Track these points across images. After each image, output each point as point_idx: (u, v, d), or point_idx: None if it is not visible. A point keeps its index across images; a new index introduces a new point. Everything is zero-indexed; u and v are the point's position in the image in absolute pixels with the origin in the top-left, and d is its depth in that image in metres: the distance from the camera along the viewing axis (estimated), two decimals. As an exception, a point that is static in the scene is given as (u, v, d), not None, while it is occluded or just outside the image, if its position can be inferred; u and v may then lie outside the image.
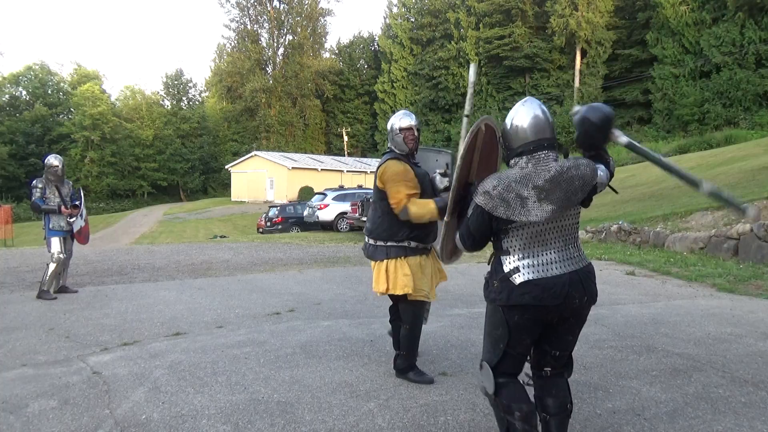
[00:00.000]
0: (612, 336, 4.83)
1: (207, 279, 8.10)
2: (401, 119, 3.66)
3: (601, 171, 2.53)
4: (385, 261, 3.61)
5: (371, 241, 3.75)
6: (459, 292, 6.98)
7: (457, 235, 2.60)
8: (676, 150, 35.46)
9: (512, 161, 2.48)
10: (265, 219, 25.30)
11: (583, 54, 49.54)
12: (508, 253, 2.43)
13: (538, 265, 2.39)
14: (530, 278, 2.36)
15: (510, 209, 2.33)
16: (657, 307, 5.98)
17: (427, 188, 3.61)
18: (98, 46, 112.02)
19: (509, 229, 2.41)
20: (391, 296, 3.71)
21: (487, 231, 2.46)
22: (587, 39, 47.79)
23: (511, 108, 2.55)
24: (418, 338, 3.75)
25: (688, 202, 13.62)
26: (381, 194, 3.63)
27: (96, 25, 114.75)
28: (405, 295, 3.59)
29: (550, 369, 2.57)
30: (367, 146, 64.94)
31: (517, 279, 2.37)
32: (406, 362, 3.74)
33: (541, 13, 51.31)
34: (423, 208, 3.42)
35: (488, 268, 2.57)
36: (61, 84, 61.33)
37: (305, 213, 23.12)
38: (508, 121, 2.50)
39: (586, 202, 2.56)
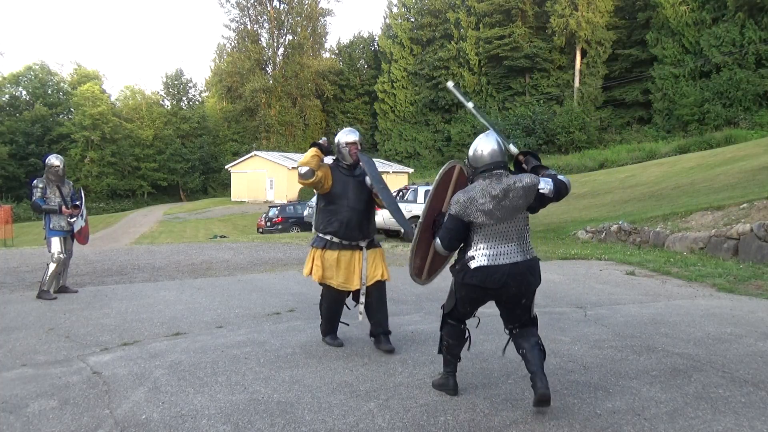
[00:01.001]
0: (612, 336, 4.83)
1: (207, 279, 8.10)
2: (347, 135, 4.44)
3: (544, 183, 3.17)
4: (311, 249, 4.44)
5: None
6: (459, 292, 6.98)
7: (437, 241, 3.29)
8: (676, 150, 35.47)
9: (476, 178, 3.22)
10: (265, 219, 25.32)
11: (583, 54, 49.53)
12: (468, 245, 3.22)
13: (488, 256, 3.14)
14: (480, 265, 3.13)
15: (473, 214, 3.11)
16: (657, 307, 5.99)
17: (347, 188, 4.35)
18: (98, 46, 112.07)
19: (473, 227, 3.18)
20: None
21: (462, 233, 3.21)
22: (587, 39, 47.78)
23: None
24: (332, 314, 4.51)
25: (688, 202, 13.62)
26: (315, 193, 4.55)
27: (96, 25, 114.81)
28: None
29: (514, 327, 3.34)
30: (367, 146, 64.66)
31: (472, 264, 3.16)
32: (323, 328, 4.60)
33: (541, 13, 51.30)
34: (304, 156, 4.29)
35: None
36: (61, 84, 61.33)
37: (305, 213, 23.11)
38: (472, 150, 3.27)
39: (533, 209, 3.23)
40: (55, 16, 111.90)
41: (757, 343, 4.59)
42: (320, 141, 4.43)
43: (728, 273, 7.69)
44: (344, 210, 4.31)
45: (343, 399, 3.42)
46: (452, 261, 3.48)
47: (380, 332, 4.41)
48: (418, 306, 6.11)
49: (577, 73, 49.91)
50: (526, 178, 3.15)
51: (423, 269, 3.65)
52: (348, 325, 4.67)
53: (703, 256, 9.11)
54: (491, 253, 3.13)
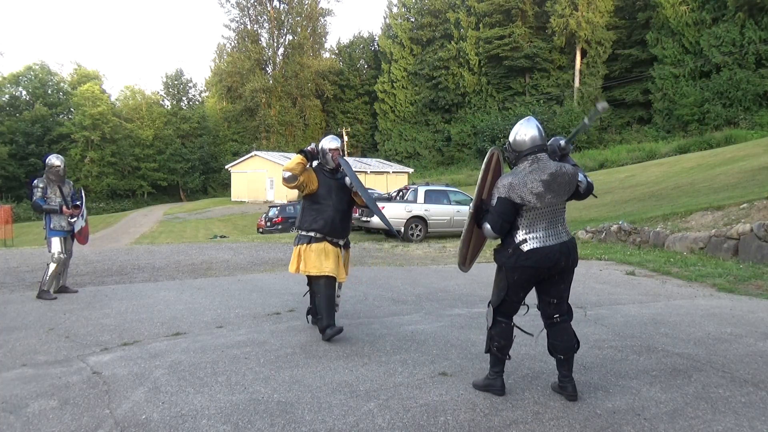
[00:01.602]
0: (612, 336, 4.83)
1: (207, 279, 8.10)
2: (330, 142, 4.82)
3: (582, 176, 3.39)
4: (297, 246, 4.72)
5: (296, 229, 4.91)
6: (459, 292, 6.98)
7: (487, 226, 3.33)
8: (676, 150, 35.49)
9: (520, 163, 3.35)
10: (265, 219, 25.30)
11: (583, 54, 49.55)
12: (517, 230, 3.32)
13: (539, 238, 3.29)
14: (534, 247, 3.27)
15: (526, 196, 3.23)
16: (657, 307, 5.99)
17: (331, 190, 4.73)
18: (98, 46, 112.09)
19: (521, 212, 3.29)
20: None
21: (512, 215, 3.29)
22: (587, 39, 47.82)
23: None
24: (331, 302, 4.69)
25: (688, 202, 13.62)
26: (300, 193, 4.80)
27: (96, 25, 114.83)
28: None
29: (558, 315, 3.43)
30: (367, 146, 64.93)
31: (525, 247, 3.28)
32: (325, 321, 4.64)
33: (541, 13, 51.32)
34: (289, 162, 4.63)
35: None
36: (61, 84, 61.33)
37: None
38: (513, 135, 3.38)
39: (576, 197, 3.44)
40: (55, 16, 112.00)
41: (757, 343, 4.59)
42: (308, 148, 4.74)
43: (728, 273, 7.69)
44: (329, 210, 4.71)
45: (343, 399, 3.42)
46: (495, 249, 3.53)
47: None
48: (418, 306, 6.11)
49: (577, 73, 49.94)
50: (569, 167, 3.34)
51: (467, 257, 3.74)
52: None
53: (703, 256, 9.10)
54: (542, 235, 3.29)
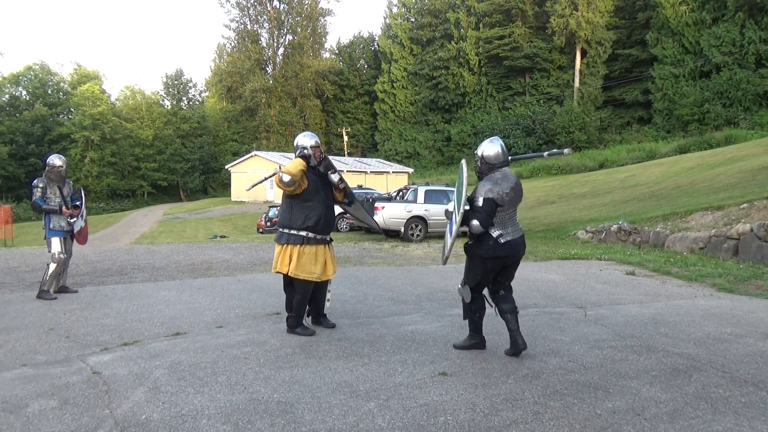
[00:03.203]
0: (612, 336, 4.83)
1: (207, 279, 8.09)
2: (310, 140, 4.91)
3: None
4: (288, 246, 4.73)
5: (279, 229, 4.86)
6: (459, 292, 6.97)
7: (475, 222, 4.07)
8: (676, 150, 35.46)
9: (492, 173, 4.23)
10: (265, 219, 25.28)
11: (583, 54, 49.52)
12: (493, 226, 4.17)
13: (510, 233, 4.21)
14: (508, 239, 4.19)
15: (503, 199, 4.13)
16: (657, 307, 5.99)
17: (318, 187, 4.82)
18: (98, 46, 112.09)
19: (495, 212, 4.13)
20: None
21: (494, 214, 4.13)
22: (587, 39, 47.78)
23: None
24: (306, 305, 4.91)
25: (688, 202, 13.62)
26: (285, 192, 4.76)
27: (96, 25, 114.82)
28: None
29: (503, 291, 4.37)
30: (367, 146, 64.94)
31: (501, 240, 4.17)
32: (296, 321, 4.85)
33: (541, 13, 51.29)
34: (292, 166, 4.65)
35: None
36: (61, 84, 61.31)
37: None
38: (487, 151, 4.25)
39: None
40: (55, 16, 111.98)
41: (757, 343, 4.59)
42: (307, 153, 4.82)
43: (728, 273, 7.69)
44: (320, 206, 4.79)
45: (343, 399, 3.42)
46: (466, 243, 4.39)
47: (321, 315, 5.15)
48: (418, 306, 6.11)
49: (577, 73, 49.90)
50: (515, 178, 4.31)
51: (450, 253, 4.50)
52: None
53: (703, 256, 9.10)
54: (511, 230, 4.21)
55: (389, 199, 15.91)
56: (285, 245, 4.75)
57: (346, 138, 55.60)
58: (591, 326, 5.16)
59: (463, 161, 4.27)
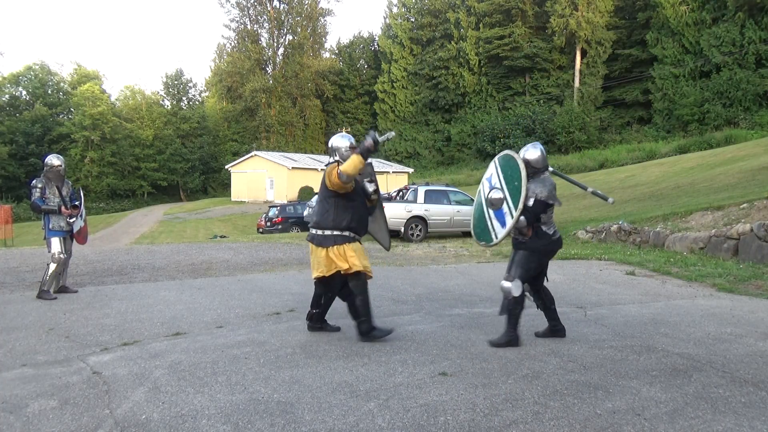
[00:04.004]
0: (612, 336, 4.83)
1: (207, 279, 8.10)
2: (347, 141, 4.86)
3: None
4: (335, 246, 4.59)
5: (319, 232, 4.67)
6: (459, 292, 6.98)
7: (523, 219, 4.47)
8: (676, 150, 35.48)
9: (538, 175, 4.60)
10: (265, 219, 25.28)
11: (583, 54, 49.53)
12: (545, 224, 4.62)
13: (556, 230, 4.70)
14: (559, 235, 4.72)
15: (553, 199, 4.58)
16: (657, 307, 5.99)
17: (357, 188, 4.73)
18: (98, 46, 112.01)
19: (547, 211, 4.59)
20: (324, 278, 4.70)
21: (540, 214, 4.56)
22: (587, 39, 47.79)
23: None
24: (369, 303, 4.72)
25: (688, 202, 13.62)
26: (328, 192, 4.65)
27: (96, 25, 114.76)
28: (357, 273, 4.60)
29: (542, 283, 4.78)
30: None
31: (555, 236, 4.67)
32: (369, 325, 4.66)
33: (541, 13, 51.30)
34: (349, 165, 4.44)
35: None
36: (61, 84, 61.30)
37: (305, 213, 23.05)
38: (533, 155, 4.63)
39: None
40: (55, 16, 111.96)
41: (757, 343, 4.59)
42: (368, 146, 4.53)
43: (728, 273, 7.68)
44: (360, 207, 4.79)
45: (343, 399, 3.42)
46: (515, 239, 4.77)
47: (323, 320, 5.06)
48: (418, 306, 6.11)
49: (577, 73, 49.91)
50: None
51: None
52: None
53: (703, 256, 9.10)
54: (555, 228, 4.70)
55: (389, 199, 15.89)
56: (332, 247, 4.58)
57: (345, 138, 55.45)
58: (591, 326, 5.16)
59: (513, 153, 4.64)
